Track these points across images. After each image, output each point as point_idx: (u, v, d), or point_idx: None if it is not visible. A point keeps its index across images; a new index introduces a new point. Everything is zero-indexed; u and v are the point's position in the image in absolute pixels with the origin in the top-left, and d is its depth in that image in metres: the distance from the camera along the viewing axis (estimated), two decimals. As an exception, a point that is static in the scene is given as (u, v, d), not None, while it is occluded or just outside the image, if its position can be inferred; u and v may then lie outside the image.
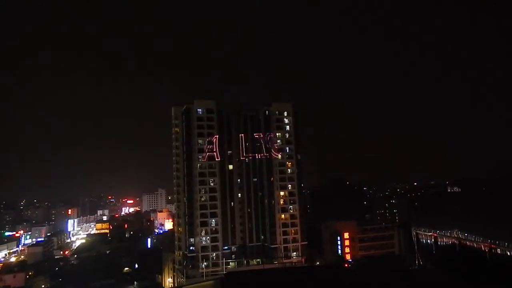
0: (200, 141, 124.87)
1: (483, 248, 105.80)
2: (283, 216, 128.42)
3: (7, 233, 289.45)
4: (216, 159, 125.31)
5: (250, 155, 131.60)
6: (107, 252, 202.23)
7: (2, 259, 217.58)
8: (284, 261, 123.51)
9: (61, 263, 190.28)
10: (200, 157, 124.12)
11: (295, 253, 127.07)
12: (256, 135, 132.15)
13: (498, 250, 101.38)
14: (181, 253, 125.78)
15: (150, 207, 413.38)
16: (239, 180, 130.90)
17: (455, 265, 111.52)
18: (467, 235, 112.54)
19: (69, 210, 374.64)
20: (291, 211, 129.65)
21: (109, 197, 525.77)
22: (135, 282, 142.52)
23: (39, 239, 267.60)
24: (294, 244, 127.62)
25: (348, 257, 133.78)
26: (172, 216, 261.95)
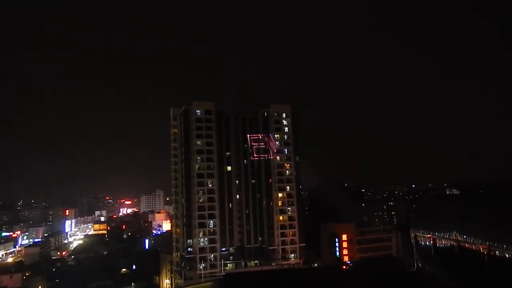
0: (198, 142, 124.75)
1: (481, 250, 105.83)
2: (281, 217, 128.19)
3: (4, 234, 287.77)
4: (214, 161, 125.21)
5: (249, 156, 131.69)
6: (105, 253, 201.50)
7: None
8: (282, 262, 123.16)
9: (58, 264, 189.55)
10: (198, 158, 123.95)
11: (293, 254, 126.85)
12: (254, 137, 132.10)
13: (497, 252, 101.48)
14: (179, 254, 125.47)
15: (148, 208, 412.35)
16: (237, 181, 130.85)
17: (454, 267, 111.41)
18: (466, 237, 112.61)
19: (67, 211, 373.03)
20: (289, 213, 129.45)
21: (107, 197, 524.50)
22: (132, 283, 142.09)
23: (36, 240, 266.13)
24: (292, 246, 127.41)
25: (346, 259, 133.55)
26: (170, 217, 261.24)
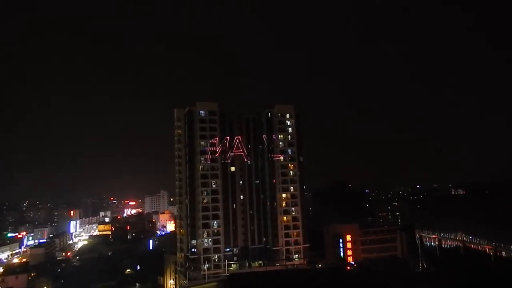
0: (202, 143, 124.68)
1: (487, 251, 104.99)
2: (285, 218, 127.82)
3: (9, 234, 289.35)
4: (218, 161, 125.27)
5: (253, 157, 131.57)
6: (109, 253, 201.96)
7: (5, 260, 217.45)
8: (286, 263, 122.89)
9: (63, 265, 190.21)
10: (202, 159, 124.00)
11: (297, 255, 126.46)
12: (258, 137, 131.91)
13: (503, 253, 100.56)
14: (183, 255, 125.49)
15: (152, 208, 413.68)
16: (241, 182, 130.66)
17: (459, 268, 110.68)
18: (471, 238, 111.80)
19: (72, 212, 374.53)
20: (293, 214, 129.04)
21: (111, 198, 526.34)
22: (137, 284, 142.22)
23: (41, 241, 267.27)
24: (296, 246, 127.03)
25: (350, 260, 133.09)
26: (174, 218, 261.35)
